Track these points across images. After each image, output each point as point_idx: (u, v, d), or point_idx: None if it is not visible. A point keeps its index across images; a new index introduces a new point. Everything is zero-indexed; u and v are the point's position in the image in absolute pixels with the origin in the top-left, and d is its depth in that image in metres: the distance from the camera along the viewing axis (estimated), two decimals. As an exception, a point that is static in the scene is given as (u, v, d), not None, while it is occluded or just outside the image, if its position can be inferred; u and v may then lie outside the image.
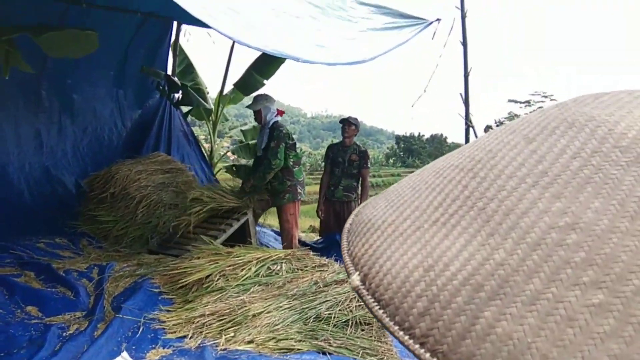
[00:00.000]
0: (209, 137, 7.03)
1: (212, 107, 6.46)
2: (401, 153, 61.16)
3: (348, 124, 5.11)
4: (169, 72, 6.08)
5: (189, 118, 6.67)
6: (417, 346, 0.31)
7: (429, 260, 0.33)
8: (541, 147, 0.37)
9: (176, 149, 5.85)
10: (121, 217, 4.27)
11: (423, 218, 0.37)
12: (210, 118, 6.63)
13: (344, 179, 5.13)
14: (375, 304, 0.34)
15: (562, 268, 0.29)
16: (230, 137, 9.51)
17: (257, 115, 4.42)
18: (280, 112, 4.52)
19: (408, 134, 63.82)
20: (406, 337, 0.31)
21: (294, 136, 4.56)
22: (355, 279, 0.36)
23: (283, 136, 4.28)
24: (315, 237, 6.22)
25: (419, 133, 63.06)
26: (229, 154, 7.56)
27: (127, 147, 5.45)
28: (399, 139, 63.74)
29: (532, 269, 0.30)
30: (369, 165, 5.23)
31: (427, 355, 0.30)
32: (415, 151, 59.60)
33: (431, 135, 63.22)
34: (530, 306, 0.28)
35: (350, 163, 5.09)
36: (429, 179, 0.41)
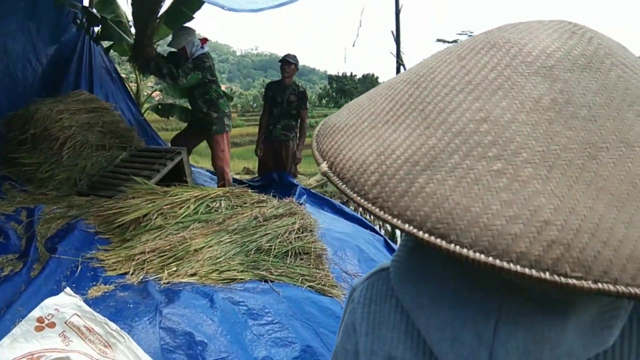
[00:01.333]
0: (133, 74, 6.67)
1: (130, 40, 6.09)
2: (334, 93, 61.21)
3: (287, 64, 5.01)
4: (86, 3, 5.62)
5: (112, 54, 6.26)
6: (369, 205, 0.42)
7: (380, 148, 0.44)
8: (469, 63, 0.46)
9: (99, 86, 5.52)
10: (45, 159, 4.05)
11: (377, 119, 0.47)
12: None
13: (283, 118, 5.11)
14: (339, 181, 0.45)
15: (475, 147, 0.40)
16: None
17: (182, 53, 4.26)
18: (203, 41, 4.37)
19: (341, 74, 63.69)
20: (362, 200, 0.42)
21: (222, 75, 4.47)
22: (324, 166, 0.46)
23: (205, 67, 4.19)
24: (250, 178, 6.25)
25: (352, 73, 63.08)
26: (156, 92, 7.25)
27: (44, 85, 5.08)
28: (331, 79, 63.52)
29: (454, 149, 0.41)
30: (307, 106, 5.23)
31: (377, 209, 0.41)
32: (348, 91, 59.81)
33: (363, 75, 63.52)
34: (450, 173, 0.39)
35: (289, 103, 5.06)
36: (383, 91, 0.51)
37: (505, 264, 0.35)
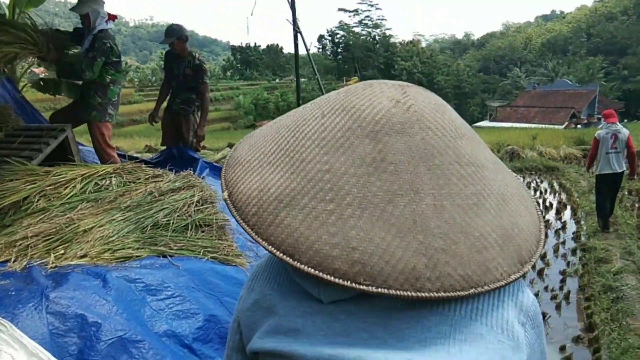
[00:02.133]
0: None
1: (6, 11, 5.48)
2: (238, 65, 59.77)
3: (168, 37, 4.74)
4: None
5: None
6: (250, 230, 0.58)
7: (261, 186, 0.59)
8: (326, 122, 0.61)
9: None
10: None
11: (264, 160, 0.62)
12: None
13: (181, 91, 4.88)
14: (233, 208, 0.60)
15: (319, 191, 0.56)
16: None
17: (85, 20, 3.92)
18: (111, 17, 4.05)
19: (244, 45, 62.17)
20: (245, 226, 0.58)
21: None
22: (225, 194, 0.62)
23: (106, 49, 3.90)
24: (151, 156, 5.98)
25: (255, 44, 61.83)
26: (35, 67, 6.60)
27: None
28: (235, 50, 61.89)
29: (306, 192, 0.56)
30: (207, 80, 4.92)
31: (254, 234, 0.57)
32: (253, 62, 58.76)
33: (267, 46, 62.57)
34: (300, 210, 0.56)
35: (185, 76, 4.82)
36: (272, 132, 0.67)
37: (326, 276, 0.53)
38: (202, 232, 2.78)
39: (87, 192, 2.76)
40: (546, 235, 6.07)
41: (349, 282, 0.52)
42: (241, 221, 0.59)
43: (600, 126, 6.77)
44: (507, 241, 0.58)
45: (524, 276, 0.59)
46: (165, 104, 5.14)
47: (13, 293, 1.98)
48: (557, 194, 9.00)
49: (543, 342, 0.64)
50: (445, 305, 0.58)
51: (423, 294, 0.52)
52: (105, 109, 4.11)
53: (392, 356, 0.56)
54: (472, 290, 0.54)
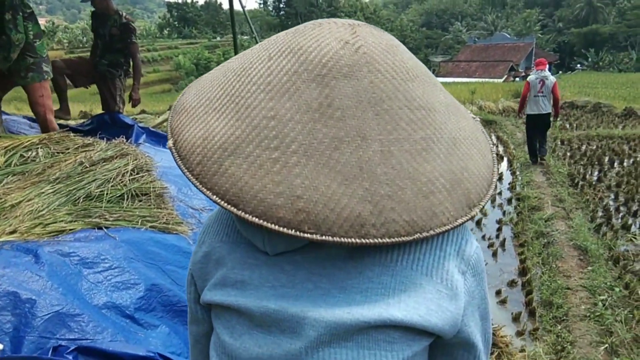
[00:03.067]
0: None
1: None
2: (175, 23, 57.13)
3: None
4: None
5: None
6: (194, 179, 0.57)
7: (206, 134, 0.58)
8: (273, 65, 0.59)
9: None
10: None
11: (209, 106, 0.61)
12: None
13: (108, 53, 4.58)
14: (177, 157, 0.59)
15: (263, 139, 0.55)
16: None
17: None
18: None
19: (181, 1, 59.27)
20: (189, 175, 0.57)
21: (40, 7, 3.84)
22: (170, 142, 0.61)
23: (17, 5, 3.57)
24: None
25: (192, 0, 59.09)
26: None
27: None
28: (170, 6, 58.96)
29: (250, 140, 0.55)
30: (135, 39, 4.62)
31: (198, 183, 0.56)
32: (191, 20, 56.37)
33: (205, 2, 59.93)
34: (245, 159, 0.55)
35: (112, 36, 4.52)
36: (219, 76, 0.64)
37: (270, 225, 0.53)
38: (140, 201, 2.71)
39: (12, 165, 2.61)
40: (500, 178, 6.34)
41: (293, 230, 0.52)
42: (185, 170, 0.58)
43: (531, 72, 7.68)
44: (455, 185, 0.58)
45: (472, 219, 0.60)
46: None
47: None
48: (494, 147, 9.36)
49: (484, 288, 0.66)
50: (387, 256, 0.60)
51: (367, 240, 0.53)
52: (40, 66, 3.80)
53: (331, 309, 0.58)
54: (417, 235, 0.54)
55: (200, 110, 0.61)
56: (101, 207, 2.49)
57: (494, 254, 5.07)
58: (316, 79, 0.56)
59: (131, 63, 4.71)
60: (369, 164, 0.54)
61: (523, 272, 4.59)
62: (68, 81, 4.65)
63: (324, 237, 0.52)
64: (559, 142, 9.27)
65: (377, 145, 0.55)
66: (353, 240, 0.52)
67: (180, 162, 0.59)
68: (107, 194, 2.55)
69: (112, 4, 4.51)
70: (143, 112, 10.92)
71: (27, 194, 2.42)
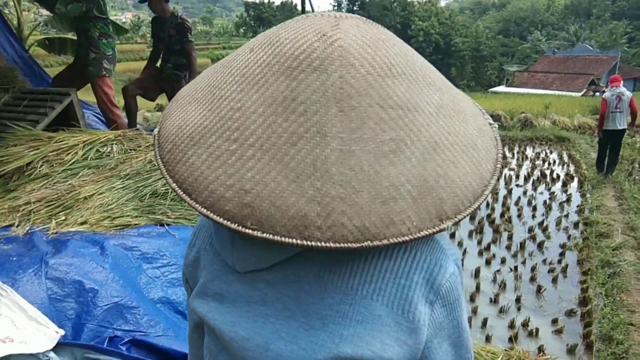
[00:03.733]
0: (13, 5, 5.98)
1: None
2: (252, 22, 58.76)
3: (147, 2, 4.61)
4: None
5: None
6: (163, 166, 0.57)
7: (181, 122, 0.58)
8: (251, 57, 0.58)
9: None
10: None
11: (193, 95, 0.61)
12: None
13: (171, 55, 4.75)
14: (157, 144, 0.60)
15: (225, 130, 0.54)
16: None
17: None
18: None
19: (258, 1, 60.87)
20: (160, 162, 0.57)
21: (128, 2, 4.15)
22: (156, 130, 0.61)
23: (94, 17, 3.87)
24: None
25: (269, 0, 60.53)
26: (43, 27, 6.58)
27: None
28: (248, 6, 60.73)
29: (214, 130, 0.54)
30: (191, 38, 4.72)
31: (165, 171, 0.56)
32: (267, 20, 57.73)
33: (282, 3, 61.18)
34: (206, 150, 0.54)
35: (170, 38, 4.66)
36: (214, 66, 0.64)
37: (216, 217, 0.52)
38: (201, 200, 2.84)
39: (89, 159, 2.82)
40: (569, 200, 5.95)
41: (236, 225, 0.51)
42: (158, 157, 0.58)
43: (606, 89, 8.00)
44: (425, 193, 0.52)
45: (441, 231, 0.53)
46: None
47: (14, 259, 2.07)
48: (565, 166, 8.92)
49: (457, 316, 0.62)
50: (348, 283, 0.57)
51: (310, 243, 0.50)
52: (100, 63, 4.06)
53: (290, 343, 0.58)
54: (366, 243, 0.50)
55: (185, 99, 0.61)
56: (165, 204, 2.63)
57: (554, 280, 4.84)
58: (286, 72, 0.54)
59: (187, 61, 4.78)
60: (324, 163, 0.51)
61: (584, 302, 4.36)
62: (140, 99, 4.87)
63: (265, 235, 0.50)
64: (637, 165, 8.68)
65: (336, 143, 0.51)
66: (295, 241, 0.50)
67: (157, 149, 0.59)
68: (171, 192, 2.70)
69: (167, 7, 4.66)
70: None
71: (99, 187, 2.61)
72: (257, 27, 56.72)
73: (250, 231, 0.51)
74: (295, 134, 0.52)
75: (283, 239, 0.50)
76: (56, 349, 1.75)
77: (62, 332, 1.78)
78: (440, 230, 0.53)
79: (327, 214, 0.50)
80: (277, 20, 58.25)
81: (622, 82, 7.62)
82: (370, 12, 53.39)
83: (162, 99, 5.68)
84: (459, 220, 0.55)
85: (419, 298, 0.58)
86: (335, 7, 57.90)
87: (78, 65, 4.22)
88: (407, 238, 0.51)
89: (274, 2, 60.88)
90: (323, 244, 0.50)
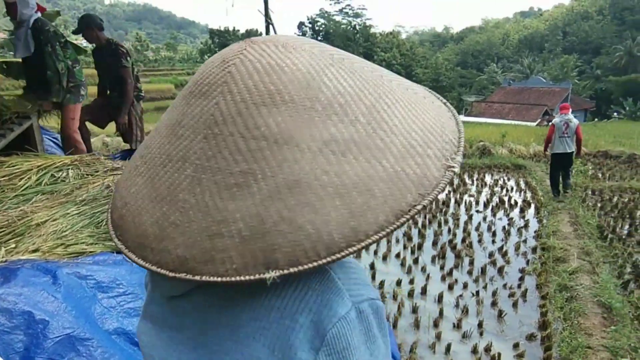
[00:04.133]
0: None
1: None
2: (216, 49, 58.83)
3: (82, 33, 4.58)
4: None
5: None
6: (113, 231, 0.59)
7: (125, 195, 0.59)
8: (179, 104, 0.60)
9: None
10: None
11: (135, 170, 0.61)
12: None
13: (115, 84, 4.67)
14: (110, 215, 0.62)
15: (141, 146, 0.60)
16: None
17: (11, 10, 3.82)
18: (41, 9, 3.98)
19: (223, 28, 61.24)
20: (111, 227, 0.60)
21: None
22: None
23: (53, 36, 3.83)
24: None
25: (234, 28, 61.00)
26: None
27: None
28: (213, 33, 60.92)
29: (150, 190, 0.56)
30: (126, 64, 4.55)
31: (113, 234, 0.59)
32: (230, 47, 57.89)
33: (246, 31, 61.76)
34: (129, 166, 0.62)
35: (110, 66, 4.58)
36: (152, 135, 0.65)
37: (110, 226, 0.60)
38: (161, 227, 2.77)
39: (43, 184, 2.72)
40: (526, 225, 6.10)
41: (113, 233, 0.57)
42: (111, 226, 0.63)
43: (555, 116, 8.66)
44: (256, 236, 0.48)
45: (262, 281, 0.47)
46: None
47: (-42, 289, 1.95)
48: (522, 192, 9.22)
49: None
50: (236, 319, 0.54)
51: (142, 263, 0.53)
52: (78, 90, 4.14)
53: None
54: (183, 275, 0.49)
55: (129, 172, 0.67)
56: (122, 231, 2.55)
57: (515, 305, 4.92)
58: (185, 97, 0.57)
59: (121, 88, 4.64)
60: (175, 188, 0.52)
61: (543, 325, 4.44)
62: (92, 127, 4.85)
63: (120, 246, 0.55)
64: (590, 192, 9.05)
65: (191, 170, 0.52)
66: (134, 258, 0.53)
67: (109, 217, 0.65)
68: (129, 218, 2.62)
69: (102, 35, 4.62)
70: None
71: (53, 213, 2.51)
72: (222, 55, 56.86)
73: (116, 241, 0.56)
74: (168, 156, 0.55)
75: (128, 253, 0.54)
76: (1, 385, 1.64)
77: (7, 367, 1.67)
78: (262, 280, 0.47)
79: (162, 238, 0.51)
80: (242, 48, 58.50)
81: (570, 110, 8.35)
82: (334, 42, 54.56)
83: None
84: (296, 273, 0.47)
85: (301, 343, 0.51)
86: (299, 35, 58.96)
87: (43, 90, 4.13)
88: (220, 280, 0.47)
89: (239, 30, 61.36)
90: (149, 266, 0.52)
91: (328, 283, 0.54)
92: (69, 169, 2.85)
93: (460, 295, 5.03)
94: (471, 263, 5.83)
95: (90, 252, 2.37)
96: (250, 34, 61.14)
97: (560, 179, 8.40)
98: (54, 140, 4.72)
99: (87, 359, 1.89)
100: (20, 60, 4.68)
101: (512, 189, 9.46)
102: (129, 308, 2.18)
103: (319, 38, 58.09)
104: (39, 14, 3.92)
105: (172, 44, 56.51)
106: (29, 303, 1.95)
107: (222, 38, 58.88)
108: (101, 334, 2.02)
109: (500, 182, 10.00)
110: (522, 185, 9.72)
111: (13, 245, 2.31)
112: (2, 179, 2.68)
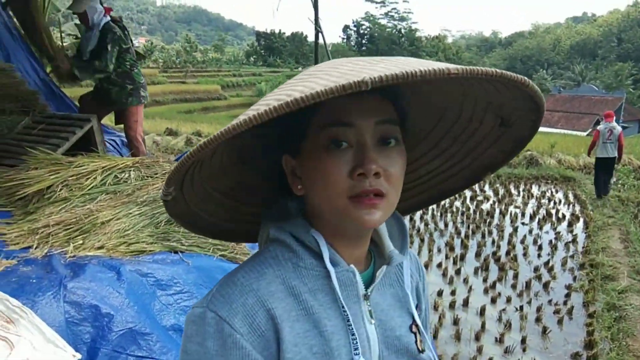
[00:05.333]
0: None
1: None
2: (262, 51, 59.80)
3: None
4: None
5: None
6: None
7: None
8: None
9: (-4, 45, 5.09)
10: None
11: None
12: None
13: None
14: None
15: None
16: (63, 31, 8.24)
17: (83, 18, 4.07)
18: (107, 10, 4.20)
19: (269, 31, 62.07)
20: None
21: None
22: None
23: (117, 39, 4.06)
24: (172, 139, 6.09)
25: (280, 30, 61.73)
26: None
27: None
28: (259, 35, 61.92)
29: None
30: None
31: None
32: (277, 49, 58.79)
33: (292, 34, 62.40)
34: None
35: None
36: None
37: None
38: (214, 229, 2.89)
39: (107, 184, 2.89)
40: (574, 240, 5.96)
41: None
42: None
43: (601, 123, 9.35)
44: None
45: None
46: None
47: (34, 281, 2.11)
48: (571, 206, 8.94)
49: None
50: None
51: None
52: (139, 92, 4.37)
53: None
54: None
55: None
56: (179, 232, 2.68)
57: (560, 322, 4.81)
58: None
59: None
60: None
61: (589, 345, 4.33)
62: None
63: None
64: (644, 209, 8.69)
65: None
66: None
67: None
68: (185, 220, 2.75)
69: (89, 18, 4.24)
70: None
71: (116, 212, 2.67)
72: (267, 56, 57.71)
73: None
74: None
75: None
76: (72, 372, 1.78)
77: (78, 355, 1.81)
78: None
79: None
80: (286, 51, 59.38)
81: (614, 118, 9.09)
82: (379, 46, 54.41)
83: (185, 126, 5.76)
84: None
85: None
86: (345, 40, 59.00)
87: (105, 98, 4.34)
88: None
89: (284, 33, 62.07)
90: None
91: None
92: (130, 170, 3.01)
93: (504, 309, 4.95)
94: (515, 277, 5.73)
95: (150, 250, 2.50)
96: (296, 36, 61.76)
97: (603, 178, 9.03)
98: (111, 141, 4.97)
99: (147, 352, 2.01)
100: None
101: (560, 201, 9.20)
102: (184, 305, 2.30)
103: (364, 41, 58.03)
104: (108, 17, 4.16)
105: (219, 46, 57.78)
106: (96, 297, 2.10)
107: (268, 40, 59.76)
108: (160, 330, 2.14)
109: (548, 194, 9.73)
110: (571, 198, 9.42)
111: (80, 242, 2.47)
112: (70, 178, 2.87)
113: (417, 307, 0.77)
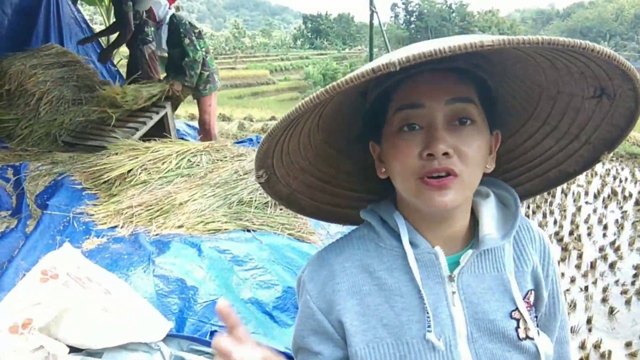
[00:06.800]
0: (103, 21, 6.49)
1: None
2: (309, 34, 59.63)
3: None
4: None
5: (79, 3, 6.08)
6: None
7: None
8: None
9: (69, 39, 5.41)
10: (22, 115, 4.09)
11: None
12: (103, 2, 6.08)
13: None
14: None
15: None
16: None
17: (151, 17, 4.24)
18: (171, 1, 4.35)
19: (315, 13, 61.69)
20: None
21: (192, 15, 4.49)
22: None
23: (189, 28, 4.20)
24: (226, 124, 6.26)
25: (327, 12, 61.24)
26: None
27: (12, 39, 4.96)
28: (306, 18, 61.69)
29: None
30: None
31: None
32: (324, 32, 58.46)
33: (339, 15, 61.78)
34: None
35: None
36: None
37: None
38: (280, 209, 3.01)
39: (181, 168, 3.07)
40: None
41: None
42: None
43: None
44: None
45: None
46: None
47: (125, 257, 2.31)
48: (638, 183, 8.52)
49: None
50: None
51: None
52: (214, 78, 4.47)
53: None
54: None
55: None
56: (250, 212, 2.82)
57: (627, 302, 4.65)
58: None
59: None
60: None
61: (661, 327, 4.18)
62: None
63: None
64: None
65: None
66: None
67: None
68: (255, 200, 2.89)
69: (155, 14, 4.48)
70: (273, 118, 11.67)
71: (192, 194, 2.84)
72: (314, 39, 57.55)
73: None
74: None
75: None
76: (165, 339, 1.94)
77: (171, 324, 1.98)
78: None
79: None
80: (333, 32, 59.02)
81: None
82: (429, 22, 53.02)
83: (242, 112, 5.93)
84: None
85: None
86: (393, 18, 57.85)
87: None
88: None
89: (331, 15, 61.59)
90: None
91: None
92: (202, 154, 3.18)
93: (568, 290, 4.85)
94: (579, 257, 5.56)
95: (225, 229, 2.66)
96: (343, 17, 61.17)
97: None
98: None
99: (230, 322, 2.16)
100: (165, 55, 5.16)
101: (626, 179, 8.77)
102: (260, 281, 2.43)
103: (412, 19, 56.72)
104: (173, 10, 4.32)
105: (267, 30, 58.23)
106: (181, 271, 2.27)
107: (315, 23, 59.50)
108: (238, 302, 2.29)
109: (613, 171, 9.30)
110: (638, 176, 8.98)
111: (162, 221, 2.66)
112: (148, 162, 3.07)
113: (530, 292, 0.74)
